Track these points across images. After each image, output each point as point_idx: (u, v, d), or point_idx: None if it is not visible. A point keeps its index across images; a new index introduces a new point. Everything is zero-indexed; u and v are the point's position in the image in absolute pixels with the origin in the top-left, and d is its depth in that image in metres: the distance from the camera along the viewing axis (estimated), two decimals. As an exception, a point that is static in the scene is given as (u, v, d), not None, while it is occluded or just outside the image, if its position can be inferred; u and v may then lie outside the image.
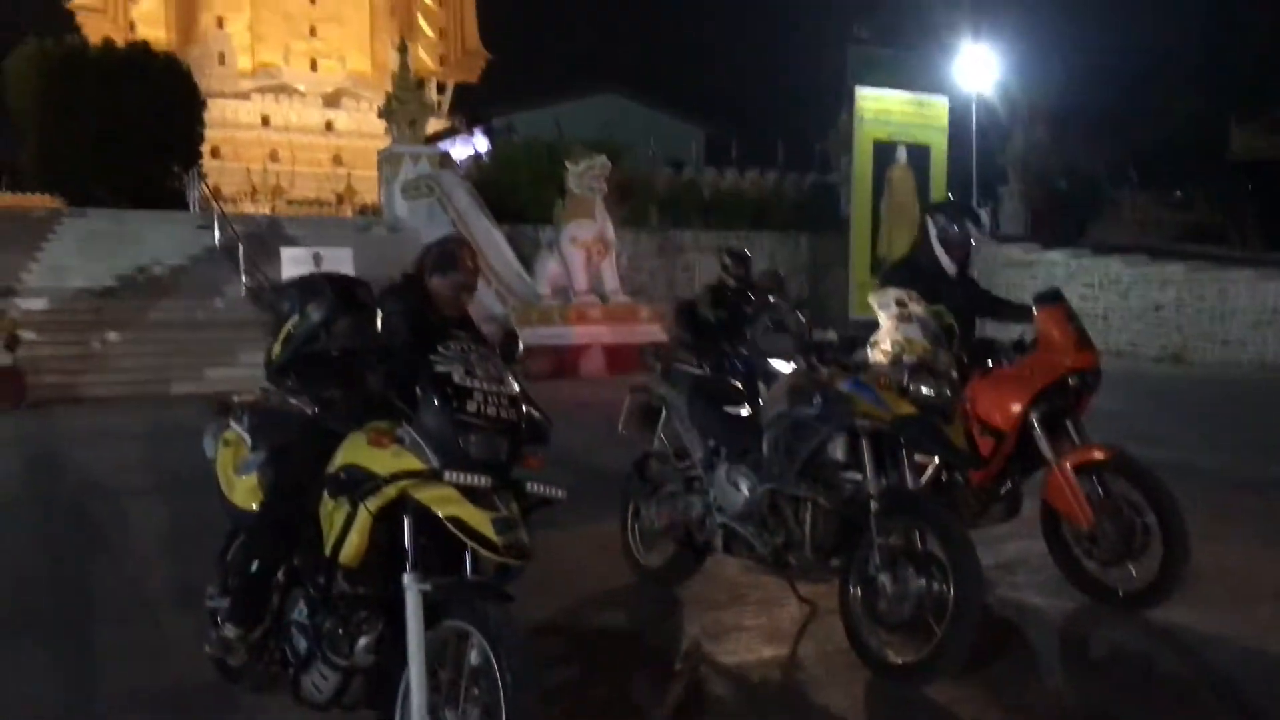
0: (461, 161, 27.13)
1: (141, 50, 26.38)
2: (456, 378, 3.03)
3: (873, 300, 4.54)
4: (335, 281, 3.31)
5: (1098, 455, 4.68)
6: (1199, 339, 16.71)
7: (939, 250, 5.20)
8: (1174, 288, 17.16)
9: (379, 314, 3.33)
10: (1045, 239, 20.77)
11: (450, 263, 3.78)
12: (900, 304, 4.41)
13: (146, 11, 51.02)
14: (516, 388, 3.19)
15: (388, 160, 22.70)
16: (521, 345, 3.65)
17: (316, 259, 13.76)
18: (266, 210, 38.77)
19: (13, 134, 26.96)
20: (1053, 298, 5.03)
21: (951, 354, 4.47)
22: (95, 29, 45.53)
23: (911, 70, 20.55)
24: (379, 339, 3.27)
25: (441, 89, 57.00)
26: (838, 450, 4.19)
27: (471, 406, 2.99)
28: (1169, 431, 9.68)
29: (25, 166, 26.76)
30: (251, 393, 3.92)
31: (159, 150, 24.09)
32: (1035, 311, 4.94)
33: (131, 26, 49.31)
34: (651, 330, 17.06)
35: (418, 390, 3.08)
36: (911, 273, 5.20)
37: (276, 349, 3.27)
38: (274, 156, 47.85)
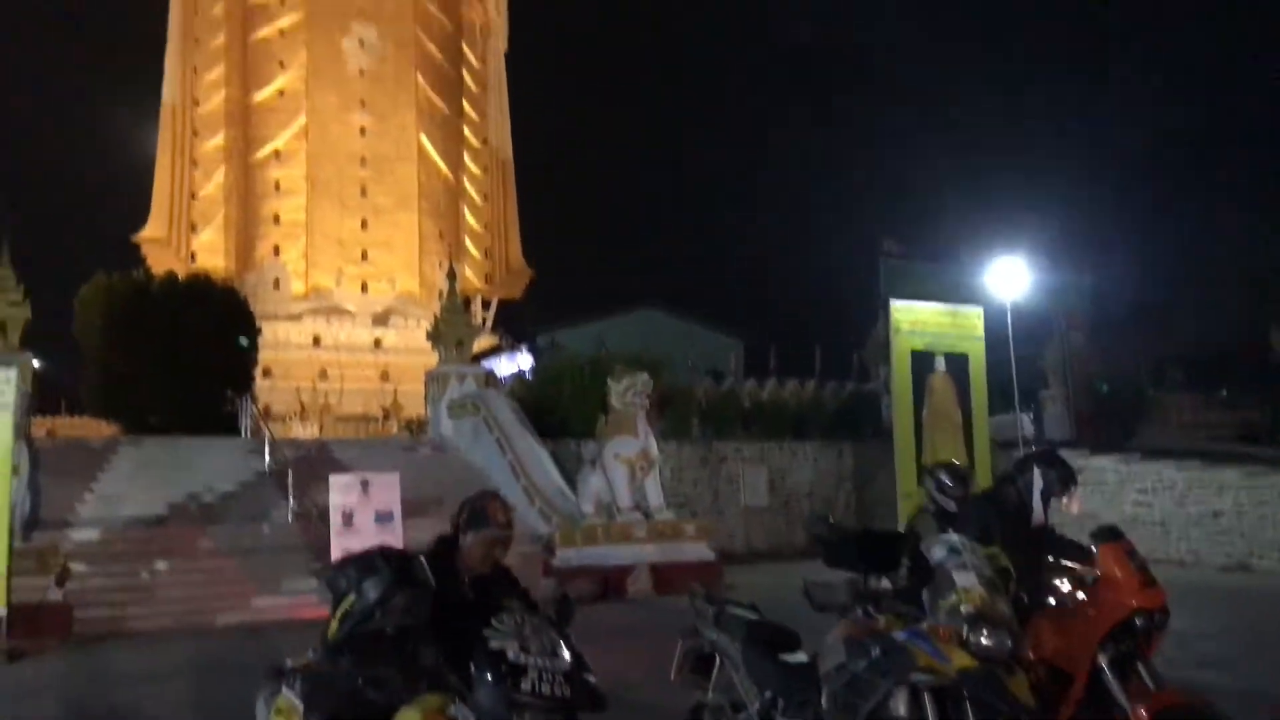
0: (506, 378, 27.75)
1: (202, 282, 27.69)
2: (511, 655, 3.04)
3: (924, 547, 4.49)
4: (391, 558, 3.35)
5: (1175, 701, 4.50)
6: (1264, 547, 16.20)
7: (1038, 500, 5.28)
8: (1231, 493, 16.80)
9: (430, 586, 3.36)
10: (1092, 444, 20.57)
11: (481, 519, 3.79)
12: (954, 550, 4.36)
13: (207, 242, 53.93)
14: (569, 659, 3.18)
15: (435, 380, 23.24)
16: (575, 608, 3.66)
17: (364, 485, 13.89)
18: (315, 428, 39.62)
19: (77, 363, 28.07)
20: (1112, 535, 4.99)
21: (1009, 599, 4.38)
22: (159, 260, 48.11)
23: (944, 281, 20.95)
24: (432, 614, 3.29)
25: (486, 305, 59.07)
26: (900, 705, 4.06)
27: (526, 685, 2.99)
28: (1242, 654, 9.26)
29: (86, 393, 27.70)
30: (304, 656, 3.90)
31: (215, 376, 24.93)
32: (1095, 550, 4.89)
33: (193, 257, 52.05)
34: (698, 548, 16.87)
35: (472, 666, 3.08)
36: (996, 508, 5.27)
37: (333, 627, 3.29)
38: (323, 375, 49.27)
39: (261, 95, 53.77)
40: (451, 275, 24.74)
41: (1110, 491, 18.66)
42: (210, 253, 53.20)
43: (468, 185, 59.32)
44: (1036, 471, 5.39)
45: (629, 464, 17.19)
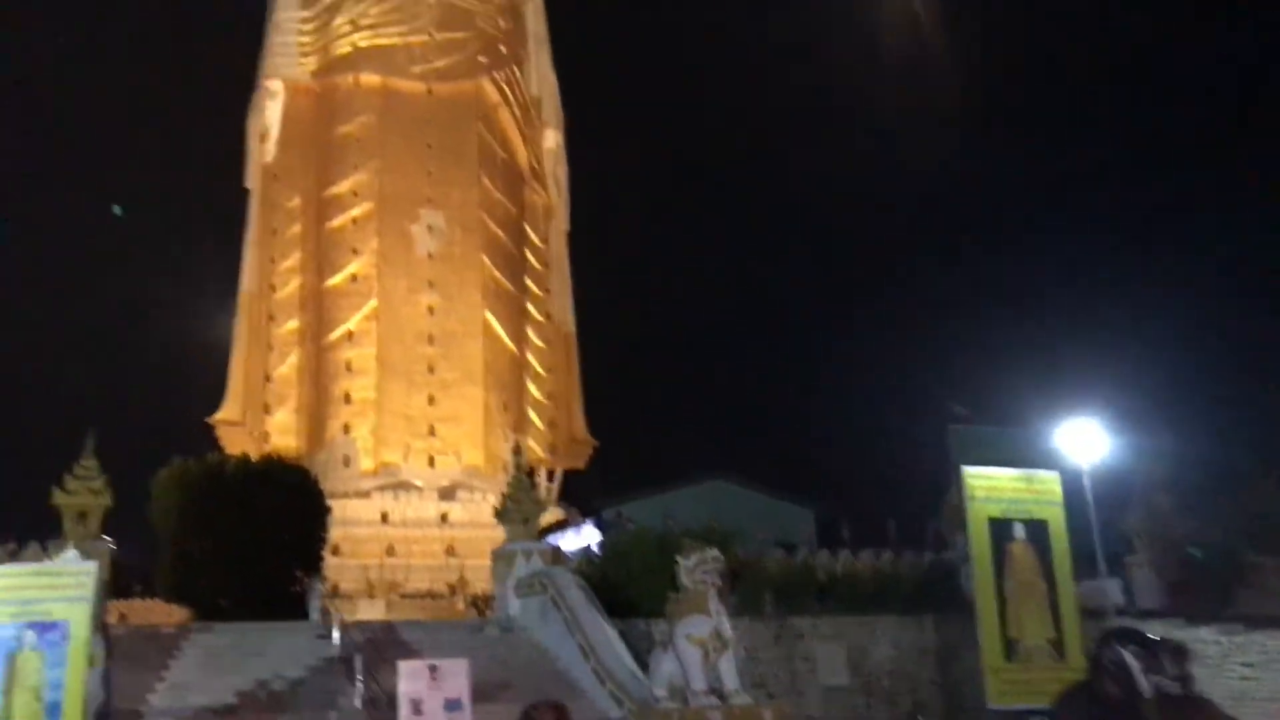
0: (572, 554, 27.45)
1: (275, 465, 28.19)
2: None
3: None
4: None
5: None
6: (1387, 724, 15.10)
7: (1141, 680, 4.97)
8: (1345, 666, 15.81)
9: None
10: (1188, 613, 19.59)
11: None
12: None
13: (280, 423, 55.22)
14: None
15: (501, 558, 23.06)
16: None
17: (433, 672, 13.67)
18: (382, 605, 39.33)
19: (151, 545, 28.42)
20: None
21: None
22: (233, 441, 49.31)
23: (1016, 447, 20.49)
24: None
25: (550, 476, 59.16)
26: None
27: None
28: None
29: (159, 576, 27.92)
30: None
31: (285, 556, 25.06)
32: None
33: (266, 437, 53.21)
34: (777, 735, 16.14)
35: None
36: (1096, 703, 4.96)
37: None
38: (390, 551, 49.28)
39: (335, 280, 55.91)
40: (517, 451, 24.94)
41: (1213, 665, 17.65)
42: (283, 433, 54.39)
43: (531, 358, 60.42)
44: (1125, 654, 5.10)
45: (702, 645, 16.65)
